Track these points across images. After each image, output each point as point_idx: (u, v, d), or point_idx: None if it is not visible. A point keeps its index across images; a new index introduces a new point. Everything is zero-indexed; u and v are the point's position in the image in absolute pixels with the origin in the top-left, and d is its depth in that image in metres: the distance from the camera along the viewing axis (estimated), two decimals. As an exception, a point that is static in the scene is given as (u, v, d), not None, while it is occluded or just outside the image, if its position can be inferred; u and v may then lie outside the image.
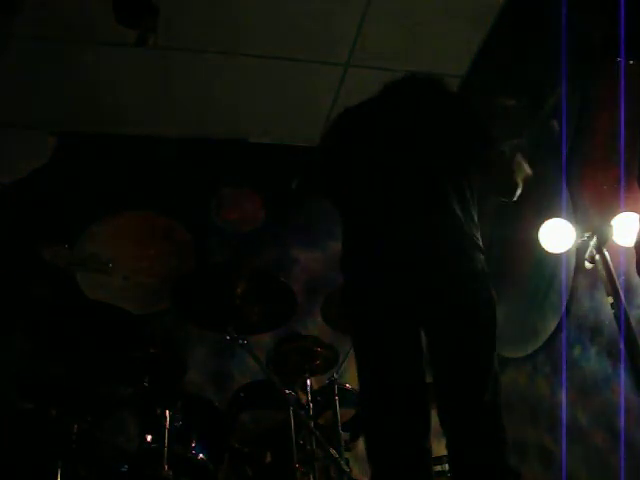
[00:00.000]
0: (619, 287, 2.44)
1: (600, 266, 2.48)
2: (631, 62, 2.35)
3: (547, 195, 3.49)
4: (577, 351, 3.22)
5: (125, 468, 2.74)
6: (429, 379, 2.01)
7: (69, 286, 4.02)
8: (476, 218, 2.14)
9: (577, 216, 3.17)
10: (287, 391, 2.86)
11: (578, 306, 3.23)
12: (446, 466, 3.11)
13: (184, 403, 2.89)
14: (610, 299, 2.45)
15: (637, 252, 2.16)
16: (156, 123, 4.53)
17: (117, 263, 4.20)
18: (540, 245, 2.88)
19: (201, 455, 2.83)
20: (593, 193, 3.16)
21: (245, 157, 4.71)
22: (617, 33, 2.21)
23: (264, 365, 2.86)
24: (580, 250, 2.64)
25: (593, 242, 2.51)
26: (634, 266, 2.25)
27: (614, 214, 2.58)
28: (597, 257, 2.48)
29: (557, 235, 2.79)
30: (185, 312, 2.94)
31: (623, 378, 2.83)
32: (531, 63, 3.67)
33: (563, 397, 3.25)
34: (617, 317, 2.41)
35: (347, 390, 3.14)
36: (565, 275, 3.27)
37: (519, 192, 2.21)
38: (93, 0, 3.55)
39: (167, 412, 2.79)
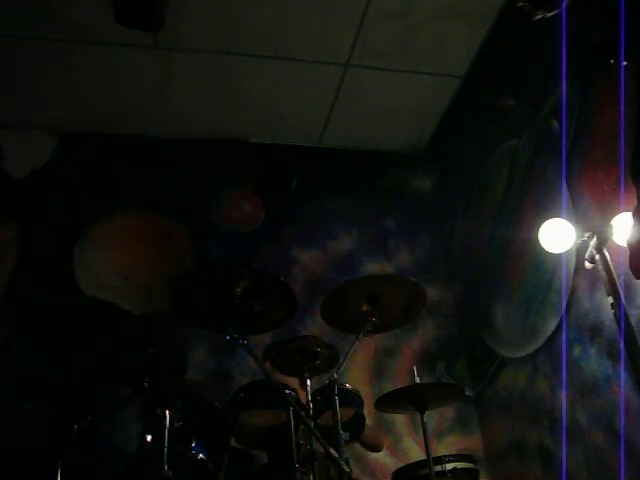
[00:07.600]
0: (619, 287, 2.44)
1: (600, 266, 2.47)
2: (625, 64, 2.34)
3: (547, 195, 3.50)
4: (577, 351, 3.22)
5: (125, 468, 2.73)
6: None
7: (69, 286, 4.02)
8: None
9: (577, 216, 3.17)
10: (287, 391, 2.86)
11: (578, 306, 3.23)
12: (446, 466, 3.11)
13: (184, 403, 2.88)
14: (610, 299, 2.45)
15: (630, 250, 2.15)
16: (156, 123, 4.53)
17: (117, 263, 4.20)
18: (540, 245, 2.88)
19: (201, 455, 2.83)
20: (593, 193, 3.16)
21: (245, 157, 4.71)
22: (616, 34, 2.20)
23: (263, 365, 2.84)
24: (580, 250, 2.63)
25: (593, 242, 2.50)
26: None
27: (614, 214, 2.58)
28: (597, 257, 2.48)
29: (557, 235, 2.79)
30: (185, 312, 2.93)
31: (623, 378, 2.83)
32: (531, 63, 3.67)
33: (563, 397, 3.25)
34: (617, 317, 2.41)
35: (347, 390, 3.14)
36: (565, 275, 3.27)
37: None
38: (93, 0, 3.56)
39: (167, 412, 2.78)
